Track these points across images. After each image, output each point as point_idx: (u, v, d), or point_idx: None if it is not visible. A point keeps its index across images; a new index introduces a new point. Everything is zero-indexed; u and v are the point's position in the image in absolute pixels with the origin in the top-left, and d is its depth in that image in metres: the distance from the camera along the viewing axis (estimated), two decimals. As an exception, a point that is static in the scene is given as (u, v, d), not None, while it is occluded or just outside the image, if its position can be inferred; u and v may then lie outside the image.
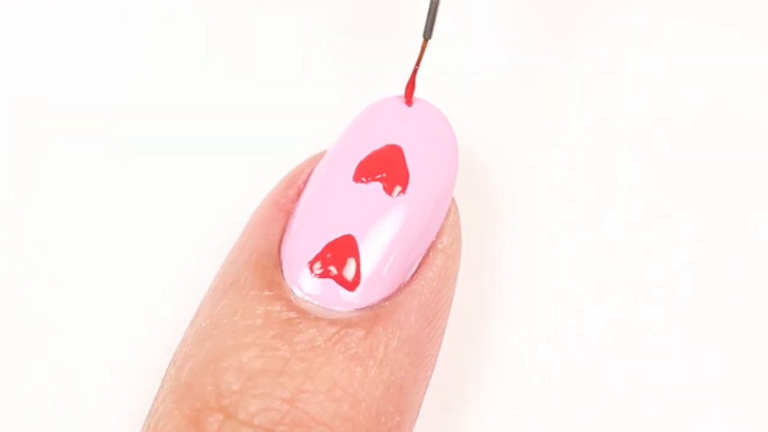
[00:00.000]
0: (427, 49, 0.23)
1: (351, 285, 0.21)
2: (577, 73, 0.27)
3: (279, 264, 0.22)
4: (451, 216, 0.23)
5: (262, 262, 0.22)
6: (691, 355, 0.25)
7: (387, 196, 0.22)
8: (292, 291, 0.21)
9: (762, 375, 0.25)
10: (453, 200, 0.23)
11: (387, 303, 0.21)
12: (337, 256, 0.21)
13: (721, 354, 0.25)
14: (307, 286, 0.21)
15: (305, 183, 0.23)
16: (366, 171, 0.22)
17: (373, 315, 0.21)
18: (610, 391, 0.25)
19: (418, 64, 0.23)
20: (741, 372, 0.25)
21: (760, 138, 0.27)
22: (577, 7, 0.27)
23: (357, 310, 0.21)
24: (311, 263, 0.21)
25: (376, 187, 0.22)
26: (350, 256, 0.21)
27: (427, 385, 0.22)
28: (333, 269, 0.21)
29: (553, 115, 0.27)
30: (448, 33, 0.24)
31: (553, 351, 0.25)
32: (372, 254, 0.21)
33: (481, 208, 0.26)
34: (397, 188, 0.22)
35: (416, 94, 0.23)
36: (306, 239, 0.22)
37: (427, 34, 0.23)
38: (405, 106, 0.23)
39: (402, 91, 0.23)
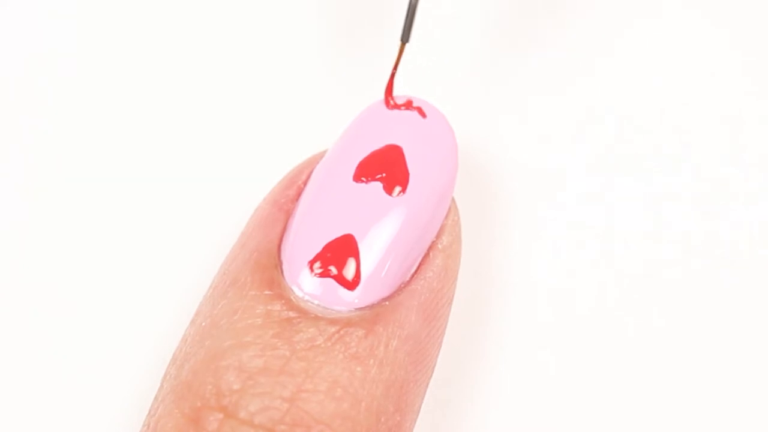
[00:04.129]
0: (405, 52, 0.23)
1: (351, 284, 0.21)
2: (578, 72, 0.27)
3: (279, 263, 0.22)
4: (451, 216, 0.23)
5: (262, 262, 0.22)
6: (691, 355, 0.25)
7: (387, 196, 0.22)
8: (292, 290, 0.21)
9: (762, 378, 0.25)
10: (453, 200, 0.23)
11: (387, 302, 0.21)
12: (337, 256, 0.21)
13: (723, 357, 0.25)
14: (307, 285, 0.21)
15: (305, 183, 0.23)
16: (366, 171, 0.22)
17: (373, 314, 0.21)
18: (610, 391, 0.25)
19: (395, 68, 0.23)
20: (742, 376, 0.25)
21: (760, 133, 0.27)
22: (578, 7, 0.27)
23: (357, 309, 0.21)
24: (311, 263, 0.21)
25: (376, 187, 0.22)
26: (350, 255, 0.21)
27: (427, 385, 0.22)
28: (333, 269, 0.21)
29: (554, 115, 0.27)
30: (449, 33, 0.24)
31: (553, 351, 0.25)
32: (372, 254, 0.21)
33: (481, 208, 0.26)
34: (397, 188, 0.22)
35: (416, 94, 0.23)
36: (306, 239, 0.22)
37: (405, 37, 0.23)
38: (403, 106, 0.23)
39: (403, 91, 0.23)
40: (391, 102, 0.23)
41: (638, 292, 0.25)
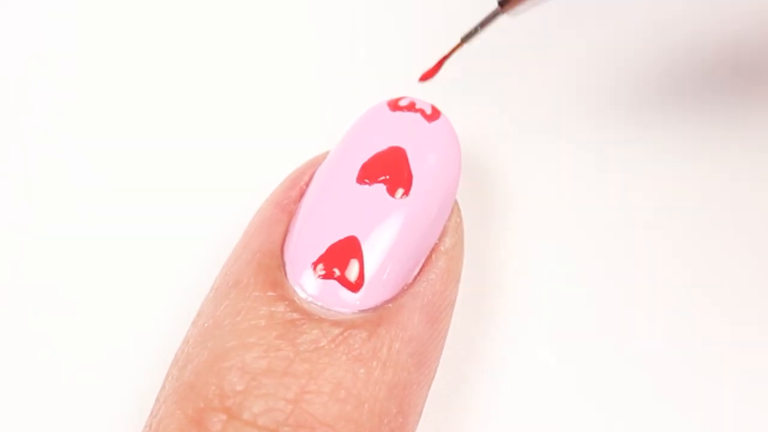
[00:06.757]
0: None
1: (354, 286, 0.21)
2: (577, 73, 0.27)
3: (282, 265, 0.22)
4: (453, 218, 0.23)
5: (265, 263, 0.22)
6: (691, 354, 0.25)
7: (390, 198, 0.22)
8: (295, 292, 0.21)
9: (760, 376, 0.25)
10: (456, 202, 0.23)
11: (390, 304, 0.21)
12: (341, 258, 0.21)
13: (724, 357, 0.25)
14: (311, 287, 0.21)
15: (308, 184, 0.23)
16: (369, 173, 0.22)
17: (377, 316, 0.21)
18: (610, 391, 0.25)
19: (446, 57, 0.23)
20: (743, 377, 0.25)
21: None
22: (577, 8, 0.27)
23: (360, 311, 0.21)
24: (314, 264, 0.21)
25: (380, 189, 0.22)
26: (353, 257, 0.21)
27: (430, 386, 0.22)
28: (336, 270, 0.21)
29: (557, 117, 0.27)
30: (450, 35, 0.24)
31: (554, 351, 0.25)
32: (375, 256, 0.21)
33: (483, 210, 0.26)
34: (400, 190, 0.22)
35: (419, 96, 0.23)
36: (309, 240, 0.22)
37: (466, 38, 0.23)
38: (406, 108, 0.23)
39: (406, 94, 0.23)
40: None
41: (639, 292, 0.25)
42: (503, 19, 0.23)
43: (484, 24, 0.23)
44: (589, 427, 0.25)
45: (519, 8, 0.23)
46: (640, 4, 0.28)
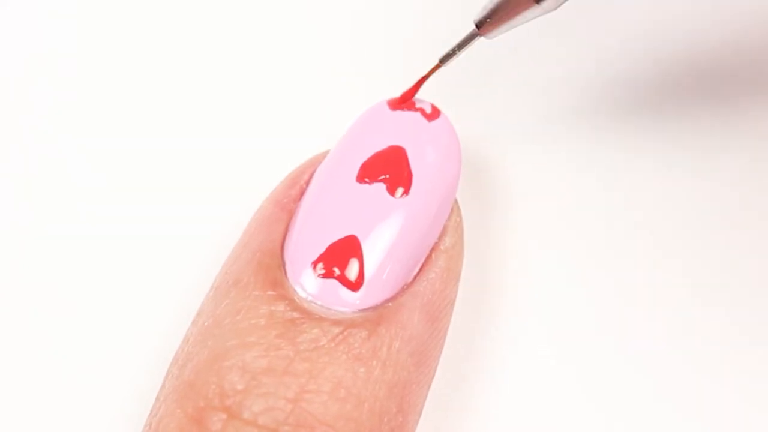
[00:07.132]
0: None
1: (354, 286, 0.21)
2: (578, 73, 0.27)
3: (282, 264, 0.22)
4: (453, 217, 0.23)
5: (265, 262, 0.22)
6: (692, 352, 0.25)
7: (390, 198, 0.22)
8: (295, 291, 0.21)
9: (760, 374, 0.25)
10: (456, 201, 0.23)
11: (390, 304, 0.21)
12: (341, 257, 0.21)
13: (721, 348, 0.25)
14: (310, 286, 0.21)
15: (308, 183, 0.23)
16: (369, 172, 0.22)
17: (377, 315, 0.21)
18: (610, 391, 0.25)
19: (424, 79, 0.23)
20: (741, 373, 0.25)
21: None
22: (576, 8, 0.27)
23: (360, 310, 0.21)
24: (314, 263, 0.21)
25: (379, 188, 0.22)
26: (353, 256, 0.21)
27: (429, 386, 0.22)
28: (336, 270, 0.21)
29: (556, 115, 0.27)
30: (452, 35, 0.24)
31: (554, 351, 0.25)
32: (375, 255, 0.21)
33: (483, 209, 0.26)
34: (400, 189, 0.22)
35: (420, 95, 0.23)
36: (309, 239, 0.22)
37: (444, 59, 0.23)
38: (406, 107, 0.23)
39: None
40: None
41: (639, 292, 0.25)
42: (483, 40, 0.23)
43: (461, 46, 0.23)
44: (589, 427, 0.25)
45: (496, 31, 0.23)
46: (639, 3, 0.28)
